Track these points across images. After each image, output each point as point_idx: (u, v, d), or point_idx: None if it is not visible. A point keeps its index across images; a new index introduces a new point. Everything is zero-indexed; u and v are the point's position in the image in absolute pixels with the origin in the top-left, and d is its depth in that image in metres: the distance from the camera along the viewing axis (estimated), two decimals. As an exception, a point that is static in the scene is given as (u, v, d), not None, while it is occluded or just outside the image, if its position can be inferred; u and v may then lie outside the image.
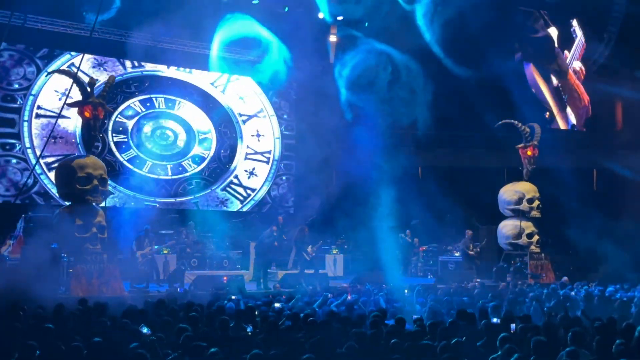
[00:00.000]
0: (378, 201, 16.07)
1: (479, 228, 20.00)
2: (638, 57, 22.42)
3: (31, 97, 18.38)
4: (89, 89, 13.61)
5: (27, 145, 18.21)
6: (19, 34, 17.54)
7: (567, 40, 23.94)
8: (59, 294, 12.14)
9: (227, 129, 21.15)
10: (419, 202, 18.13)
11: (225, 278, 14.82)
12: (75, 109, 14.42)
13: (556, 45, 23.85)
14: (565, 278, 15.55)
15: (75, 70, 14.64)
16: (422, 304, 10.91)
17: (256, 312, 9.16)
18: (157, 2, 17.35)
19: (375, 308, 10.31)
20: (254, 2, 19.57)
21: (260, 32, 19.42)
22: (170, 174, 19.96)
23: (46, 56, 18.67)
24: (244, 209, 21.11)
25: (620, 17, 22.84)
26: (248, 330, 8.06)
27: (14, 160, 18.03)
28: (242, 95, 21.58)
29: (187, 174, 20.23)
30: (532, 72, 23.67)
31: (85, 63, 15.11)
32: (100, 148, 17.96)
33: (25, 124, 18.28)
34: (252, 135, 21.63)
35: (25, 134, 18.22)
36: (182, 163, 20.28)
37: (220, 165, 20.87)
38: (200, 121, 20.73)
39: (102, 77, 17.43)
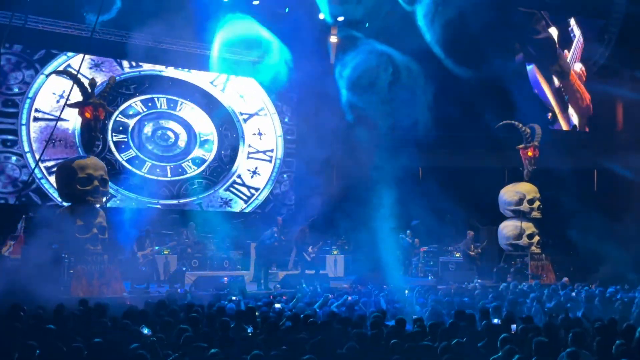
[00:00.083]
0: (379, 202, 16.08)
1: (480, 229, 20.00)
2: (638, 58, 22.41)
3: (28, 100, 18.22)
4: (89, 90, 13.63)
5: (26, 149, 18.06)
6: (19, 35, 17.48)
7: (566, 40, 23.93)
8: (60, 294, 12.13)
9: (229, 129, 21.07)
10: (420, 202, 18.11)
11: (225, 279, 14.82)
12: (74, 111, 14.45)
13: (557, 45, 23.84)
14: (565, 279, 15.54)
15: (73, 71, 14.68)
16: (422, 305, 10.91)
17: (257, 313, 9.16)
18: (157, 3, 17.34)
19: (376, 309, 10.31)
20: (254, 2, 19.56)
21: (261, 33, 19.44)
22: (169, 175, 19.90)
23: (43, 58, 18.50)
24: (248, 209, 21.06)
25: (621, 18, 22.82)
26: (249, 331, 8.06)
27: (13, 158, 17.95)
28: (242, 93, 21.49)
29: (187, 175, 20.17)
30: (535, 72, 23.66)
31: (83, 63, 15.04)
32: (100, 147, 17.84)
33: (24, 127, 18.12)
34: (254, 134, 21.56)
35: (24, 138, 18.07)
36: (182, 164, 20.22)
37: (221, 165, 20.84)
38: (202, 122, 20.66)
39: (99, 78, 17.38)
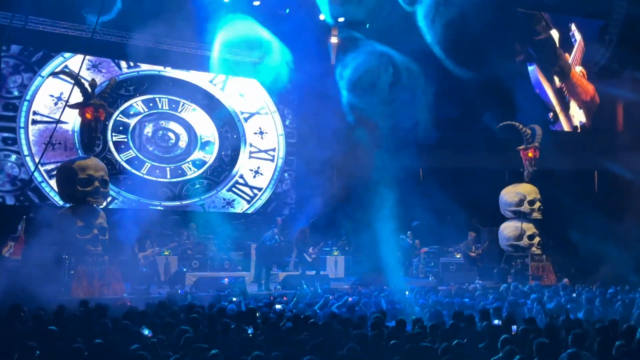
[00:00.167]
0: (379, 203, 16.09)
1: (480, 230, 19.99)
2: (639, 58, 22.41)
3: (26, 103, 18.06)
4: (90, 91, 13.63)
5: (26, 152, 17.92)
6: (18, 36, 17.44)
7: (567, 43, 23.92)
8: (60, 295, 12.13)
9: (230, 130, 20.98)
10: (420, 203, 18.12)
11: (226, 280, 14.83)
12: (73, 113, 14.43)
13: (557, 45, 23.83)
14: (566, 280, 15.53)
15: (73, 72, 14.67)
16: (422, 306, 10.91)
17: (257, 314, 9.17)
18: (158, 4, 17.33)
19: (376, 309, 10.31)
20: (255, 3, 19.56)
21: (262, 34, 19.44)
22: (169, 176, 19.80)
23: (40, 60, 18.35)
24: (251, 210, 21.00)
25: (621, 18, 22.81)
26: (249, 331, 8.07)
27: (13, 157, 17.83)
28: (242, 92, 21.39)
29: (187, 177, 20.09)
30: (536, 72, 23.65)
31: (79, 65, 14.96)
32: (100, 146, 17.78)
33: (22, 130, 17.97)
34: (255, 133, 21.47)
35: (23, 142, 17.92)
36: (182, 166, 20.13)
37: (222, 165, 20.79)
38: (203, 123, 20.56)
39: (97, 79, 17.10)
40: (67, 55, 18.54)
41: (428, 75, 19.71)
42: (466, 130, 22.17)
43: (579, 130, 24.39)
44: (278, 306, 10.18)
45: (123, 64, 19.62)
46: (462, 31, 19.62)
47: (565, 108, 24.14)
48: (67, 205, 14.04)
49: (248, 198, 21.08)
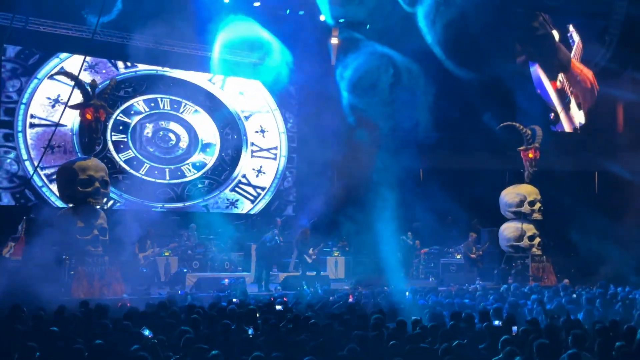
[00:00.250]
0: (379, 203, 16.08)
1: (481, 230, 19.98)
2: (639, 59, 22.40)
3: (23, 106, 17.89)
4: (90, 91, 13.63)
5: (24, 157, 17.78)
6: (18, 37, 17.41)
7: (565, 45, 23.91)
8: (60, 295, 12.13)
9: (231, 131, 20.91)
10: (421, 204, 18.12)
11: (226, 280, 14.83)
12: (72, 115, 14.41)
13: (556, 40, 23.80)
14: (566, 280, 15.54)
15: (68, 73, 14.66)
16: (423, 307, 10.90)
17: (257, 315, 9.16)
18: (158, 4, 17.33)
19: (377, 310, 10.30)
20: (255, 4, 19.56)
21: (262, 35, 19.43)
22: (167, 177, 19.69)
23: (37, 62, 18.18)
24: (255, 210, 20.95)
25: (621, 19, 22.80)
26: (249, 332, 8.07)
27: (12, 154, 17.74)
28: (242, 90, 21.30)
29: (186, 179, 19.97)
30: (538, 71, 23.64)
31: (76, 66, 14.90)
32: (100, 145, 17.69)
33: (20, 134, 17.82)
34: (257, 132, 21.39)
35: (21, 145, 17.78)
36: (182, 167, 20.03)
37: (223, 165, 20.74)
38: (205, 125, 20.46)
39: (95, 79, 17.23)
40: (62, 56, 18.40)
41: (428, 75, 19.70)
42: (466, 130, 22.16)
43: (579, 131, 24.39)
44: (278, 307, 10.17)
45: (120, 64, 19.48)
46: (463, 31, 19.63)
47: (567, 109, 24.12)
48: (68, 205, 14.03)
49: (252, 198, 21.02)
